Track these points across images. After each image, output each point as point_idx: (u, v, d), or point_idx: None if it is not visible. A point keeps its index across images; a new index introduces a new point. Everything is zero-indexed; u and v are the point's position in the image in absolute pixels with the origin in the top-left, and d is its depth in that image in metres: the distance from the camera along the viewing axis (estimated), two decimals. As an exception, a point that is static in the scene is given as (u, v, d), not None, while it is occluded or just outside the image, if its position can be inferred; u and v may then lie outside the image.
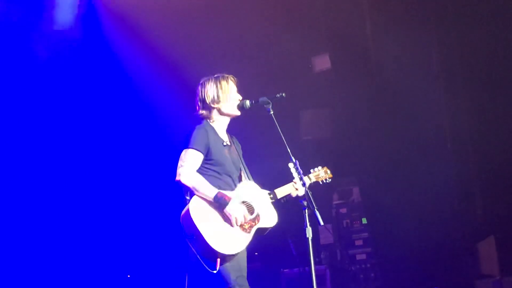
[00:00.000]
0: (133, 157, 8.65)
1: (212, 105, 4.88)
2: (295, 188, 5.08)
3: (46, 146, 8.15)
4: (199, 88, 4.93)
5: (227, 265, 4.68)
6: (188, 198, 4.68)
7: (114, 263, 8.38)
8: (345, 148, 8.87)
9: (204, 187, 4.64)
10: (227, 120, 5.00)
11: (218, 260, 4.60)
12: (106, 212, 8.42)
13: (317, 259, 8.58)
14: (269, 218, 4.98)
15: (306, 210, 4.55)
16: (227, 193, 4.71)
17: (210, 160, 4.79)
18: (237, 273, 4.72)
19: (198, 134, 4.76)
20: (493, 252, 7.63)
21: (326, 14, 8.65)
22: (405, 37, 8.24)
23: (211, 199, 4.63)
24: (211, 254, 4.58)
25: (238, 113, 4.98)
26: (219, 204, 4.63)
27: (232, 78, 5.01)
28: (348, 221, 8.92)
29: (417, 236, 8.16)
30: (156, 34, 8.59)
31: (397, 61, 8.32)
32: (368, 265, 8.69)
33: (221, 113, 4.93)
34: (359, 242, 8.83)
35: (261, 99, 4.90)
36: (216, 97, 4.88)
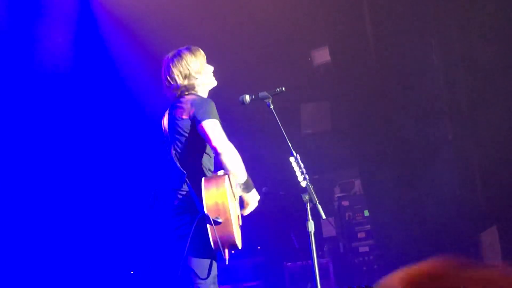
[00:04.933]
0: (131, 156, 8.65)
1: (196, 76, 4.68)
2: None
3: (46, 147, 8.15)
4: (175, 61, 4.68)
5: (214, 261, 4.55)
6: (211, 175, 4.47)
7: (113, 261, 8.36)
8: (345, 141, 8.88)
9: (241, 164, 4.46)
10: (207, 91, 4.83)
11: (227, 251, 4.43)
12: (105, 210, 8.41)
13: (319, 252, 8.60)
14: None
15: (308, 204, 4.56)
16: None
17: None
18: (216, 272, 4.58)
19: (212, 106, 4.52)
20: (496, 242, 7.63)
21: (325, 6, 8.64)
22: (405, 28, 8.23)
23: (242, 179, 4.49)
24: (227, 244, 4.39)
25: (215, 83, 4.85)
26: (247, 186, 4.54)
27: (200, 49, 4.84)
28: (350, 213, 8.94)
29: (419, 227, 8.16)
30: (149, 26, 8.58)
31: (397, 53, 8.31)
32: (371, 257, 8.71)
33: (203, 84, 4.75)
34: (361, 235, 8.85)
35: (261, 93, 4.91)
36: (199, 67, 4.70)
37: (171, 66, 4.67)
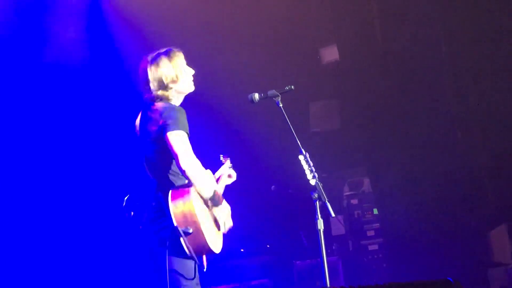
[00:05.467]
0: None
1: (171, 86, 4.62)
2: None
3: (51, 145, 8.18)
4: (151, 67, 4.60)
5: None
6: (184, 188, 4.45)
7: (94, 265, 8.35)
8: (354, 139, 8.86)
9: (205, 181, 4.42)
10: (182, 98, 4.78)
11: (204, 257, 4.54)
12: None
13: (328, 251, 8.59)
14: None
15: (317, 202, 4.55)
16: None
17: None
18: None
19: (182, 116, 4.47)
20: (506, 240, 7.61)
21: (334, 4, 8.63)
22: (414, 25, 8.21)
23: (207, 196, 4.47)
24: (201, 252, 4.45)
25: (193, 88, 4.79)
26: (213, 202, 4.52)
27: (181, 52, 4.76)
28: (359, 212, 8.93)
29: (428, 226, 8.14)
30: (158, 24, 8.60)
31: (406, 49, 8.29)
32: (380, 256, 8.70)
33: (178, 92, 4.69)
34: (370, 233, 8.83)
35: (270, 92, 4.90)
36: (174, 77, 4.61)
37: (148, 71, 4.61)
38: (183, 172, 4.36)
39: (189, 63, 4.85)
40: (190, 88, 4.79)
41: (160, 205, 4.43)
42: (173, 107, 4.55)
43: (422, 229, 8.16)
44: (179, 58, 4.72)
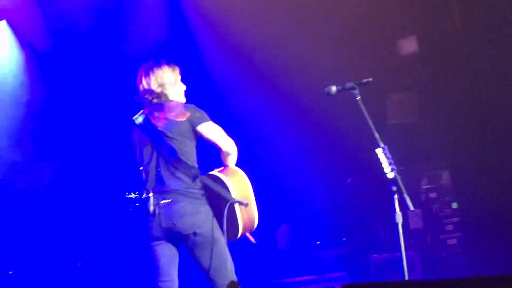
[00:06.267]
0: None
1: (168, 87, 4.97)
2: None
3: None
4: (154, 68, 5.00)
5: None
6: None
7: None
8: (433, 131, 8.72)
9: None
10: None
11: (248, 233, 4.81)
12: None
13: (406, 244, 8.49)
14: None
15: (396, 195, 4.52)
16: None
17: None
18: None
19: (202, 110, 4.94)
20: None
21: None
22: (495, 15, 8.02)
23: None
24: (251, 225, 4.79)
25: (184, 100, 5.12)
26: None
27: (178, 68, 5.15)
28: (438, 205, 8.79)
29: (510, 220, 7.95)
30: (238, 22, 8.68)
31: (487, 40, 8.10)
32: (460, 250, 8.55)
33: (174, 96, 5.02)
34: (449, 227, 8.69)
35: (348, 84, 4.90)
36: (173, 81, 5.00)
37: (150, 73, 4.98)
38: (225, 151, 4.82)
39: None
40: (183, 99, 5.13)
41: (196, 194, 4.71)
42: (190, 104, 4.97)
43: (504, 223, 7.97)
44: (177, 70, 5.12)
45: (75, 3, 8.17)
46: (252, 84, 9.04)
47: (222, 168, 4.92)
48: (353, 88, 4.86)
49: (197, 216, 4.65)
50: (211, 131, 4.81)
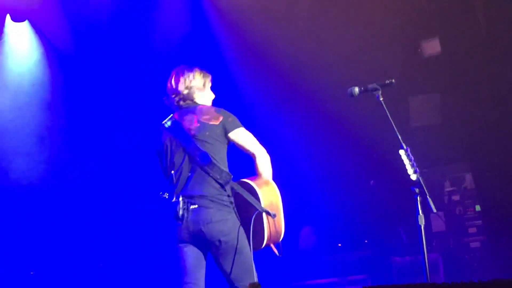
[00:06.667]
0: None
1: (197, 91, 4.99)
2: None
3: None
4: (185, 72, 5.02)
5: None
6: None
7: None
8: (456, 133, 8.67)
9: (270, 167, 4.84)
10: None
11: (273, 245, 4.72)
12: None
13: (428, 247, 8.45)
14: None
15: (418, 197, 4.50)
16: None
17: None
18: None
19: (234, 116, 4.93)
20: None
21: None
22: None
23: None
24: (277, 237, 4.71)
25: None
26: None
27: (210, 76, 5.15)
28: (461, 208, 8.73)
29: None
30: (256, 22, 8.70)
31: (511, 43, 8.04)
32: (483, 254, 8.49)
33: (201, 101, 5.03)
34: (472, 230, 8.63)
35: (370, 85, 4.89)
36: (202, 86, 5.01)
37: (180, 76, 5.01)
38: (256, 158, 4.78)
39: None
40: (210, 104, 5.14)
41: (225, 201, 4.69)
42: (220, 108, 4.94)
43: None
44: (208, 77, 5.13)
45: (96, 2, 8.23)
46: (273, 85, 9.04)
47: (255, 176, 4.86)
48: (375, 89, 4.84)
49: (224, 224, 4.63)
50: (244, 138, 4.81)
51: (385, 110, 4.77)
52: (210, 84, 5.11)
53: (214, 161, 4.70)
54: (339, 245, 8.93)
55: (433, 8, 8.49)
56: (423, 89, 9.04)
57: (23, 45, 8.47)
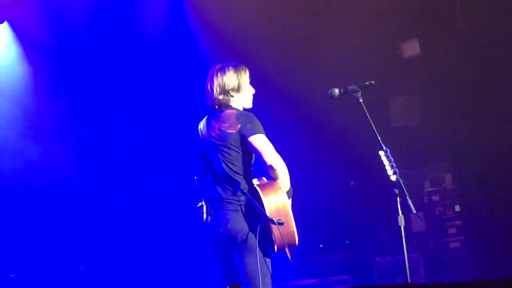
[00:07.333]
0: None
1: (231, 93, 4.84)
2: None
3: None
4: (218, 73, 4.87)
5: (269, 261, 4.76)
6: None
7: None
8: (436, 134, 8.73)
9: (288, 176, 4.68)
10: (242, 108, 4.96)
11: (287, 249, 4.66)
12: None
13: (409, 248, 8.49)
14: None
15: (398, 198, 4.52)
16: None
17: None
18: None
19: (257, 121, 4.75)
20: None
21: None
22: (497, 17, 8.02)
23: (287, 189, 4.68)
24: (290, 243, 4.63)
25: (251, 106, 4.98)
26: (289, 195, 4.69)
27: (247, 69, 4.98)
28: (441, 208, 8.78)
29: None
30: (239, 24, 8.68)
31: (490, 44, 8.10)
32: (462, 254, 8.54)
33: (237, 102, 4.89)
34: (452, 230, 8.68)
35: (350, 87, 4.91)
36: (237, 86, 4.85)
37: (214, 78, 4.87)
38: (270, 167, 4.58)
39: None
40: (249, 104, 4.98)
41: (241, 206, 4.68)
42: (246, 113, 4.80)
43: (507, 227, 7.97)
44: (245, 73, 4.94)
45: (75, 2, 8.20)
46: (256, 87, 9.03)
47: (265, 180, 4.82)
48: (355, 91, 4.87)
49: (241, 226, 4.64)
50: (258, 144, 4.63)
51: (365, 111, 4.80)
52: (248, 80, 4.95)
53: (225, 168, 4.68)
54: (321, 246, 8.94)
55: (413, 9, 8.54)
56: (403, 90, 9.08)
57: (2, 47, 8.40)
